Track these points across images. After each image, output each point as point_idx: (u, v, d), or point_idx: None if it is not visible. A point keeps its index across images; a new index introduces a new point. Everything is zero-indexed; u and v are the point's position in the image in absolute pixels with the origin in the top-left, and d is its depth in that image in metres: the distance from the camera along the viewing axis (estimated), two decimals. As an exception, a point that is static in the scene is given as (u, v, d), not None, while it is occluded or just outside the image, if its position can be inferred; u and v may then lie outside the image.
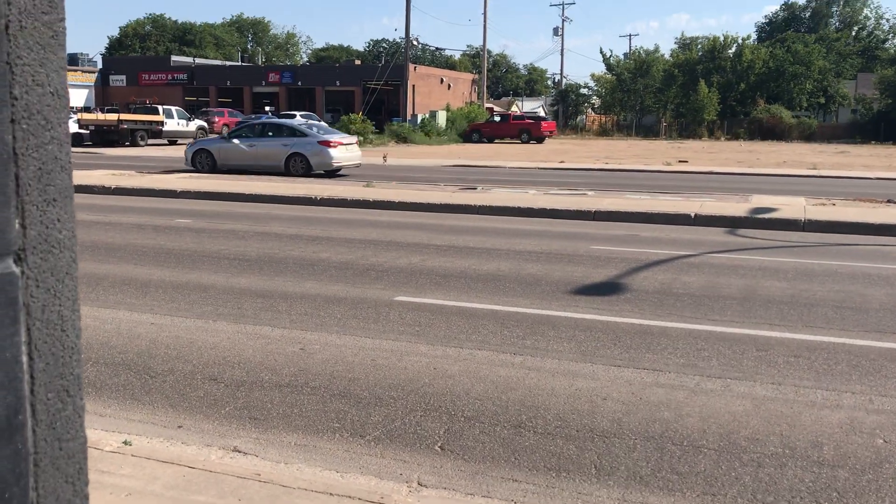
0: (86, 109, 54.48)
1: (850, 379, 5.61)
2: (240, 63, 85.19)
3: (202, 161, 23.08)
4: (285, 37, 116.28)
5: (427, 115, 54.13)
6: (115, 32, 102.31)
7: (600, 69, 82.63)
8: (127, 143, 38.44)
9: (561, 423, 4.80)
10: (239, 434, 4.68)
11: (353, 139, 24.66)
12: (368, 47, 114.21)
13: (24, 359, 0.89)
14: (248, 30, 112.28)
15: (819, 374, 5.71)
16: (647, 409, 5.02)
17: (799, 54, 69.34)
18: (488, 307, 7.60)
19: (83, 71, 71.05)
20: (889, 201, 16.83)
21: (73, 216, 0.98)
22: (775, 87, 69.83)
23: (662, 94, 71.83)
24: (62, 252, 0.93)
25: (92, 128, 38.62)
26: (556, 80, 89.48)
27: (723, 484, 4.06)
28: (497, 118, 55.80)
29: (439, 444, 4.52)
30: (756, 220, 13.77)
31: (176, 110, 43.78)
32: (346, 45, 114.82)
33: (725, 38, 72.69)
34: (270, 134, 23.23)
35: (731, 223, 13.72)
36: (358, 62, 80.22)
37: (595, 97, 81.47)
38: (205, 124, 46.52)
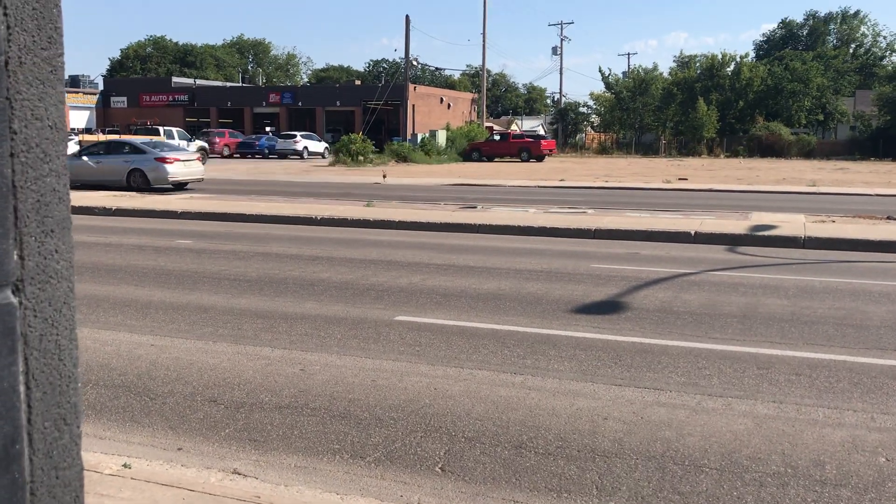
0: (87, 131, 54.68)
1: (852, 397, 5.60)
2: (240, 84, 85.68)
3: None
4: (286, 58, 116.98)
5: (427, 135, 54.31)
6: (117, 54, 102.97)
7: (599, 88, 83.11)
8: (128, 164, 38.49)
9: (562, 443, 4.79)
10: (239, 456, 4.67)
11: (195, 155, 26.64)
12: (368, 67, 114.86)
13: (22, 388, 0.89)
14: (249, 51, 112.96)
15: (820, 392, 5.69)
16: (649, 428, 5.01)
17: (797, 72, 69.68)
18: (489, 326, 7.60)
19: (84, 93, 71.42)
20: (889, 218, 16.85)
21: (71, 247, 0.99)
22: (774, 105, 70.10)
23: (661, 112, 72.11)
24: (60, 282, 0.94)
25: (93, 149, 38.74)
26: (556, 99, 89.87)
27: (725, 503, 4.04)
28: (497, 137, 55.99)
29: (440, 466, 4.50)
30: (756, 238, 13.79)
31: (177, 131, 43.97)
32: (346, 66, 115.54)
33: (724, 56, 73.06)
34: (115, 151, 24.78)
35: (731, 241, 13.73)
36: (358, 82, 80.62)
37: (594, 115, 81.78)
38: (206, 145, 46.72)
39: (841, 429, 5.01)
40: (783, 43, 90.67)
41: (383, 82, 69.72)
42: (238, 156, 55.90)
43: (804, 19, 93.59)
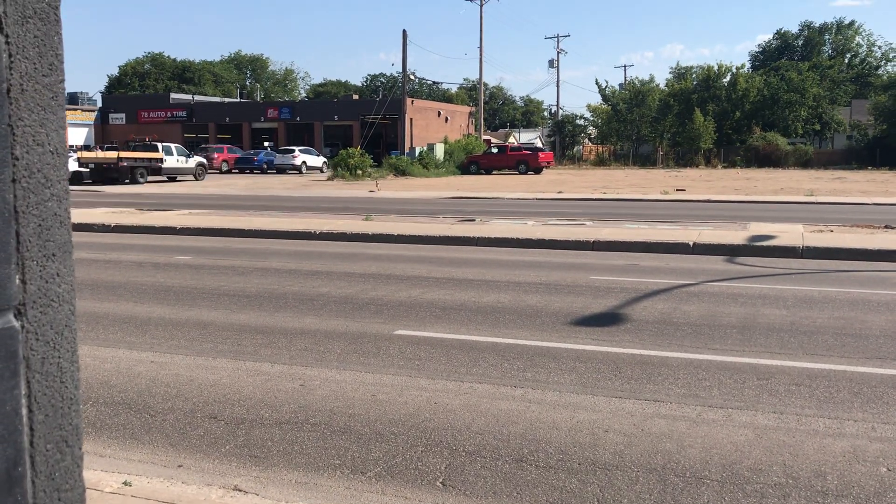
0: (85, 148, 54.81)
1: (852, 407, 5.60)
2: (238, 99, 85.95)
3: None
4: (283, 73, 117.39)
5: (425, 148, 54.46)
6: (115, 71, 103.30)
7: (596, 100, 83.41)
8: (127, 181, 38.63)
9: (563, 456, 4.78)
10: (239, 472, 4.66)
11: None
12: (366, 82, 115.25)
13: (24, 411, 0.90)
14: (247, 66, 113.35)
15: (821, 403, 5.69)
16: (649, 440, 5.00)
17: (793, 82, 69.97)
18: (488, 340, 7.59)
19: (83, 110, 71.62)
20: (887, 227, 16.88)
21: (72, 270, 1.00)
22: (770, 115, 70.36)
23: (658, 124, 72.36)
24: (61, 305, 0.95)
25: (92, 166, 38.86)
26: (553, 112, 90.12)
27: (726, 516, 4.03)
28: (494, 150, 56.13)
29: (441, 480, 4.50)
30: (755, 248, 13.80)
31: (175, 147, 44.02)
32: (343, 80, 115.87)
33: (720, 67, 73.40)
34: None
35: (729, 251, 13.75)
36: (356, 97, 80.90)
37: (591, 127, 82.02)
38: (204, 161, 46.77)
39: (842, 439, 5.01)
40: (779, 53, 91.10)
41: (381, 96, 69.93)
42: (236, 171, 56.03)
43: (799, 30, 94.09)
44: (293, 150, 55.55)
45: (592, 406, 5.67)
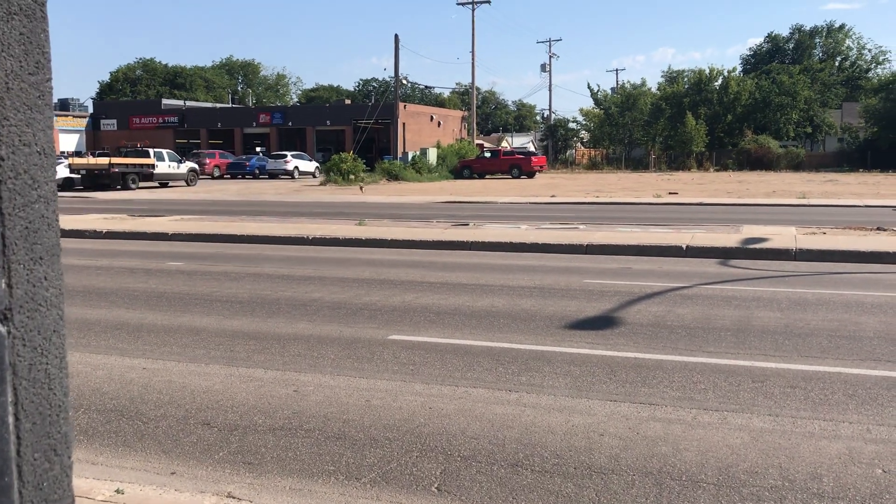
0: (77, 154, 54.62)
1: (847, 408, 5.60)
2: (230, 105, 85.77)
3: None
4: (275, 78, 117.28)
5: (418, 153, 54.47)
6: (106, 77, 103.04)
7: (588, 104, 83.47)
8: (118, 187, 38.51)
9: (558, 460, 4.76)
10: (233, 479, 4.63)
11: None
12: (358, 87, 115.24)
13: (11, 419, 0.87)
14: (239, 72, 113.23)
15: (816, 405, 5.69)
16: (645, 444, 4.99)
17: (784, 85, 70.28)
18: (483, 344, 7.57)
19: (74, 116, 71.40)
20: (879, 229, 16.93)
21: (60, 274, 0.97)
22: (762, 118, 70.64)
23: (650, 127, 72.55)
24: (49, 310, 0.92)
25: (83, 172, 38.72)
26: (545, 116, 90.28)
27: (723, 519, 4.02)
28: (487, 154, 56.18)
29: (436, 485, 4.47)
30: (748, 251, 13.82)
31: (167, 153, 43.91)
32: (335, 85, 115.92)
33: (711, 70, 73.69)
34: None
35: (722, 254, 13.76)
36: (348, 101, 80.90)
37: (584, 131, 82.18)
38: (196, 166, 46.68)
39: (837, 441, 5.00)
40: (770, 57, 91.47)
41: (373, 101, 69.90)
42: (228, 176, 55.93)
43: (790, 33, 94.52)
44: (285, 156, 55.50)
45: (588, 410, 5.66)
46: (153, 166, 41.02)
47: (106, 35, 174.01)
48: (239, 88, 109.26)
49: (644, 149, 73.78)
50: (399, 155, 55.72)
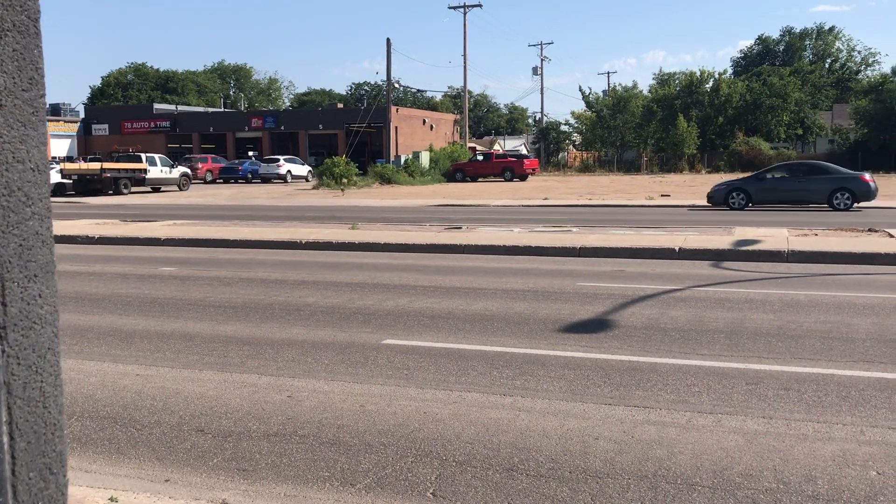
0: (68, 159, 54.44)
1: (841, 410, 5.61)
2: (222, 109, 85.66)
3: None
4: (267, 82, 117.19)
5: (410, 156, 54.49)
6: (98, 82, 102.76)
7: (580, 106, 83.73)
8: (110, 192, 38.40)
9: (553, 464, 4.76)
10: (227, 486, 4.61)
11: None
12: (350, 90, 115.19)
13: (5, 439, 0.86)
14: (230, 76, 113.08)
15: (809, 407, 5.70)
16: (640, 447, 4.99)
17: (775, 87, 70.54)
18: (477, 348, 7.57)
19: (65, 121, 71.18)
20: (870, 230, 17.00)
21: (55, 291, 0.96)
22: (753, 120, 70.89)
23: (642, 130, 72.72)
24: (44, 328, 0.91)
25: (75, 177, 38.59)
26: (537, 119, 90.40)
27: (718, 522, 4.02)
28: (480, 157, 56.21)
29: (431, 491, 4.46)
30: (740, 253, 13.86)
31: (159, 158, 43.81)
32: (328, 89, 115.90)
33: (702, 72, 73.90)
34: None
35: (715, 256, 13.79)
36: (340, 105, 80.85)
37: (576, 134, 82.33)
38: (188, 171, 46.60)
39: (831, 443, 5.01)
40: (760, 59, 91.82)
41: (365, 105, 69.91)
42: (221, 181, 55.83)
43: (780, 35, 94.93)
44: (278, 160, 55.42)
45: (582, 413, 5.66)
46: (145, 171, 40.93)
47: (97, 40, 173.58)
48: (231, 93, 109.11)
49: (636, 151, 73.96)
50: (391, 158, 55.73)
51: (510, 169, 52.57)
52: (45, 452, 0.91)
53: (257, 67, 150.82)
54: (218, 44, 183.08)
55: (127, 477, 4.76)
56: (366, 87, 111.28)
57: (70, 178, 38.56)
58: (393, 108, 59.11)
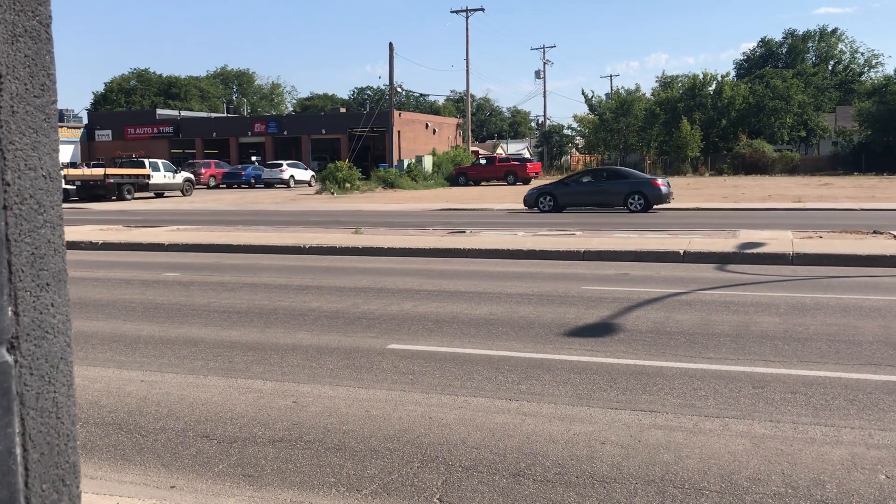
0: (72, 165, 54.56)
1: (849, 414, 5.58)
2: (225, 114, 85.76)
3: None
4: (270, 87, 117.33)
5: (413, 160, 54.50)
6: (101, 88, 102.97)
7: (583, 110, 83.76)
8: (114, 198, 38.47)
9: (560, 469, 4.74)
10: (233, 492, 4.60)
11: None
12: (353, 95, 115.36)
13: (18, 450, 0.86)
14: (233, 81, 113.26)
15: (817, 410, 5.67)
16: (647, 451, 4.97)
17: (778, 89, 70.47)
18: (482, 352, 7.55)
19: (69, 127, 71.39)
20: (875, 232, 16.96)
21: (67, 300, 0.96)
22: (756, 122, 70.83)
23: (645, 133, 72.67)
24: (56, 337, 0.91)
25: (78, 183, 38.65)
26: (540, 122, 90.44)
27: (727, 527, 4.00)
28: (483, 161, 56.21)
29: (438, 496, 4.44)
30: (745, 256, 13.83)
31: (162, 163, 43.87)
32: (330, 94, 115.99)
33: (705, 75, 73.86)
34: None
35: (720, 259, 13.77)
36: (343, 110, 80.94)
37: (579, 137, 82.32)
38: (191, 176, 46.64)
39: (839, 447, 4.99)
40: (763, 61, 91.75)
41: (368, 109, 69.96)
42: (224, 186, 55.87)
43: (783, 38, 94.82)
44: (281, 165, 55.46)
45: (588, 418, 5.64)
46: (148, 177, 40.99)
47: (100, 46, 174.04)
48: (234, 98, 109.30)
49: (639, 154, 73.90)
50: (394, 163, 55.76)
51: (513, 173, 52.56)
52: (58, 463, 0.90)
53: (260, 72, 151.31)
54: (221, 49, 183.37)
55: (132, 483, 4.75)
56: (368, 92, 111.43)
57: (73, 184, 38.62)
58: (396, 113, 59.16)
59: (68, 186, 38.25)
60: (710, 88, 73.07)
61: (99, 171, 39.64)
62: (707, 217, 24.06)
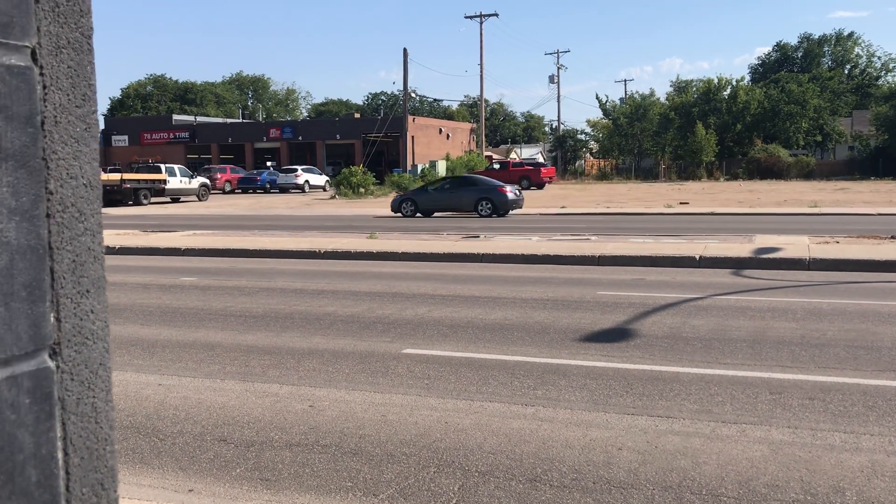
0: (89, 170, 54.88)
1: (868, 420, 5.54)
2: (241, 120, 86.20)
3: None
4: (285, 93, 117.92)
5: (427, 165, 54.56)
6: (117, 94, 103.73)
7: (596, 114, 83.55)
8: (130, 203, 38.73)
9: (576, 475, 4.73)
10: (250, 496, 4.61)
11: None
12: (367, 100, 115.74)
13: (60, 455, 0.87)
14: (249, 87, 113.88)
15: (835, 417, 5.64)
16: (664, 457, 4.95)
17: (793, 94, 70.14)
18: (497, 357, 7.55)
19: (86, 132, 71.76)
20: (893, 237, 16.83)
21: (105, 306, 0.97)
22: (771, 127, 70.49)
23: (660, 137, 72.49)
24: (96, 343, 0.92)
25: (95, 188, 38.88)
26: (554, 127, 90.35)
27: (745, 534, 3.98)
28: (496, 166, 56.21)
29: (454, 501, 4.44)
30: (761, 261, 13.76)
31: (178, 168, 44.17)
32: (345, 99, 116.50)
33: (720, 80, 73.63)
34: None
35: (736, 264, 13.70)
36: (357, 115, 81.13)
37: (593, 142, 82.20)
38: (207, 181, 46.92)
39: (859, 454, 4.95)
40: (778, 66, 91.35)
41: (382, 115, 70.13)
42: (240, 191, 56.15)
43: (798, 42, 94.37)
44: (296, 170, 55.67)
45: (605, 423, 5.62)
46: (165, 182, 41.27)
47: (117, 52, 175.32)
48: (249, 103, 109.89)
49: (654, 159, 73.72)
50: (408, 168, 55.84)
51: (527, 177, 52.53)
52: (97, 468, 0.92)
53: (275, 78, 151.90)
54: (236, 55, 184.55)
55: (150, 487, 4.78)
56: (382, 97, 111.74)
57: (91, 189, 38.86)
58: (409, 118, 59.28)
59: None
60: (725, 93, 72.82)
61: (116, 177, 39.93)
62: (722, 222, 23.95)
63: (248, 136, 69.92)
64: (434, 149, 63.39)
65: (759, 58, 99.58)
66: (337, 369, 7.24)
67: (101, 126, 75.06)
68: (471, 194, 28.09)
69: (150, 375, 7.20)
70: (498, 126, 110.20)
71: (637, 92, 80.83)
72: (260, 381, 6.93)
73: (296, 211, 34.33)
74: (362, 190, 43.57)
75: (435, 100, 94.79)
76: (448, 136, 69.05)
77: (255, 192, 55.60)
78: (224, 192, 54.98)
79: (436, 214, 28.90)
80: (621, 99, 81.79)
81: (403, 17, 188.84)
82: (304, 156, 66.40)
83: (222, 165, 60.82)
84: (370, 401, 6.28)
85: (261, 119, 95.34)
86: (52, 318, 0.88)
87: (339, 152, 66.71)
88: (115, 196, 38.53)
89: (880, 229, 19.20)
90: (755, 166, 64.72)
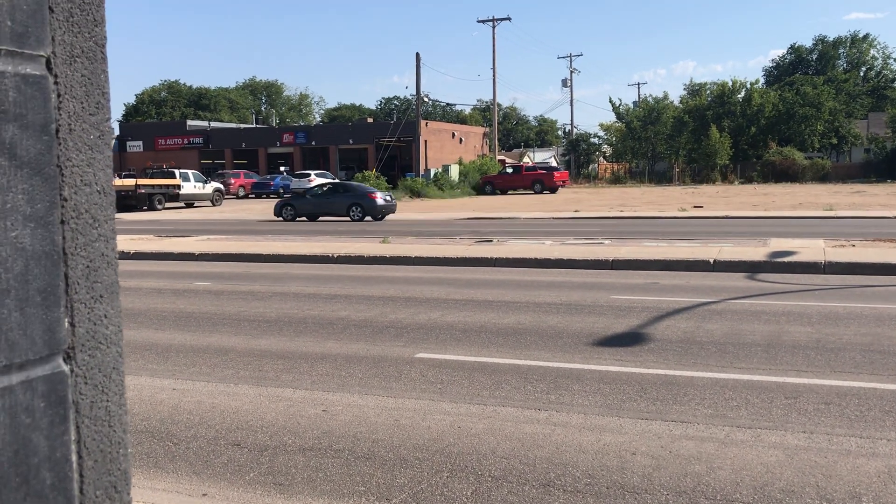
0: (104, 175, 55.24)
1: (885, 425, 5.50)
2: (254, 125, 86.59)
3: None
4: (298, 98, 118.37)
5: (440, 170, 54.63)
6: (132, 99, 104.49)
7: (609, 118, 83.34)
8: (145, 208, 38.97)
9: (590, 480, 4.72)
10: (264, 501, 4.63)
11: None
12: (380, 105, 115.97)
13: (74, 458, 0.88)
14: (262, 92, 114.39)
15: (852, 422, 5.59)
16: (678, 462, 4.93)
17: (808, 96, 69.76)
18: (510, 362, 7.54)
19: (101, 138, 72.23)
20: (909, 240, 16.68)
21: (119, 311, 0.99)
22: (786, 130, 70.13)
23: (674, 141, 72.26)
24: (109, 348, 0.93)
25: (110, 193, 39.15)
26: (567, 130, 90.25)
27: (760, 540, 3.95)
28: (509, 170, 56.21)
29: (468, 506, 4.44)
30: (776, 264, 13.68)
31: (192, 173, 44.39)
32: (357, 104, 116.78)
33: (734, 82, 73.34)
34: None
35: (750, 268, 13.63)
36: (370, 120, 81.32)
37: (606, 145, 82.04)
38: (221, 186, 47.13)
39: (875, 459, 4.91)
40: (793, 68, 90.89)
41: (395, 119, 70.30)
42: (253, 196, 56.36)
43: (813, 44, 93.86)
44: (309, 175, 55.81)
45: (619, 428, 5.60)
46: (179, 187, 41.49)
47: (131, 58, 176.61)
48: (262, 109, 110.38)
49: (667, 162, 73.49)
50: (421, 172, 55.91)
51: (540, 181, 52.49)
52: (110, 471, 0.93)
53: (288, 83, 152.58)
54: (249, 61, 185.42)
55: (165, 491, 4.80)
56: (395, 102, 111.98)
57: (106, 195, 39.13)
58: (422, 122, 59.36)
59: (100, 197, 38.79)
60: (739, 96, 72.53)
61: (130, 182, 40.19)
62: (737, 225, 23.84)
63: (262, 141, 70.21)
64: (447, 153, 63.45)
65: (773, 60, 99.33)
66: (350, 374, 7.25)
67: (116, 132, 75.64)
68: (343, 199, 29.67)
69: (165, 380, 7.24)
70: (511, 130, 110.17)
71: (650, 95, 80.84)
72: (273, 385, 6.95)
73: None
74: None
75: (448, 104, 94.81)
76: (461, 140, 69.09)
77: (268, 196, 55.74)
78: (238, 198, 55.21)
79: (321, 219, 30.29)
80: (635, 102, 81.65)
81: (416, 21, 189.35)
82: (318, 160, 66.60)
83: (236, 171, 61.11)
84: (383, 405, 6.28)
85: (274, 124, 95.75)
86: (66, 323, 0.89)
87: (353, 157, 66.90)
88: (129, 201, 38.77)
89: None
90: (770, 169, 64.38)
